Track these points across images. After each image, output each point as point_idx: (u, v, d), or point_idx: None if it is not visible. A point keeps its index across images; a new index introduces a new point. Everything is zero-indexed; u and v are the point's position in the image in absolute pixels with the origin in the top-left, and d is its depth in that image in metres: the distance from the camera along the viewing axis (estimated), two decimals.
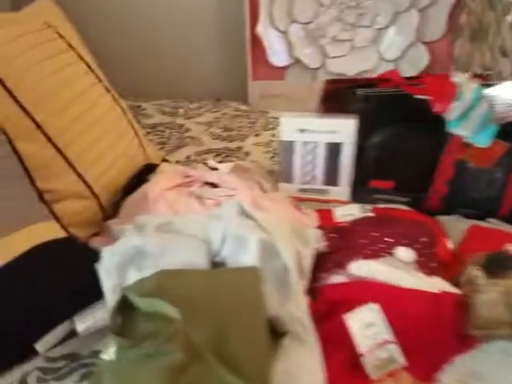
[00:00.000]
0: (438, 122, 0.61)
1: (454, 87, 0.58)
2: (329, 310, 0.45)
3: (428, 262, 0.51)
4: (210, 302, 0.36)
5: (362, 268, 0.49)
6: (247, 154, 0.91)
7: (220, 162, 0.88)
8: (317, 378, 0.37)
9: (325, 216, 0.64)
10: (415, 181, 0.66)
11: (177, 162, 0.86)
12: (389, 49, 1.18)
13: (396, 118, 0.64)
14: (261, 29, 1.21)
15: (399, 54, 1.17)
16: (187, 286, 0.37)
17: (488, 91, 0.57)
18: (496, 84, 0.57)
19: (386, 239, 0.54)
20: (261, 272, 0.44)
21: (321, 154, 0.68)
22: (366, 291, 0.46)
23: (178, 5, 1.28)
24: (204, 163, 0.79)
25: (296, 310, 0.45)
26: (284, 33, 1.21)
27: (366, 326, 0.43)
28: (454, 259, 0.54)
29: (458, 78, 0.57)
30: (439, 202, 0.66)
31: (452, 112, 0.56)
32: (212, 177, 0.65)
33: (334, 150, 0.67)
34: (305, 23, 1.19)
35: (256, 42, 1.22)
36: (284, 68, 1.25)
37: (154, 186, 0.63)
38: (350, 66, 1.20)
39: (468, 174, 0.64)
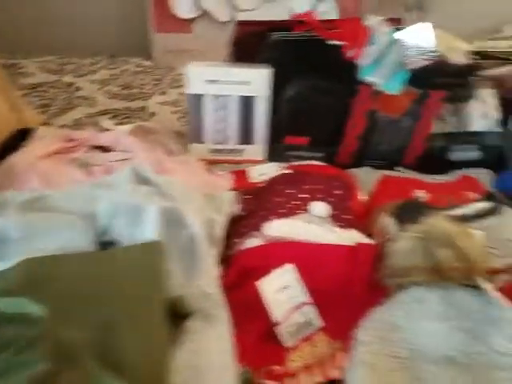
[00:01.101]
0: (352, 70, 0.58)
1: (367, 31, 0.55)
2: (242, 277, 0.41)
3: (343, 215, 0.50)
4: (96, 291, 0.29)
5: (278, 228, 0.46)
6: (152, 114, 0.82)
7: (119, 123, 0.78)
8: (227, 362, 0.33)
9: (240, 177, 0.59)
10: (328, 135, 0.64)
11: (62, 126, 0.73)
12: (298, 1, 1.13)
13: (310, 67, 0.59)
14: None
15: (310, 7, 1.13)
16: (66, 274, 0.30)
17: (398, 35, 0.55)
18: (406, 28, 0.55)
19: (302, 195, 0.51)
20: (162, 247, 0.38)
21: (233, 108, 0.61)
22: (281, 252, 0.42)
23: None
24: (97, 125, 0.68)
25: (206, 285, 0.40)
26: None
27: (281, 290, 0.40)
28: (368, 210, 0.54)
29: (371, 21, 0.54)
30: (350, 157, 0.65)
31: (365, 57, 0.54)
32: (102, 139, 0.56)
33: (247, 104, 0.61)
34: None
35: None
36: (191, 20, 1.14)
37: (25, 154, 0.51)
38: (261, 18, 1.13)
39: (379, 125, 0.63)
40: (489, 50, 0.59)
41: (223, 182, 0.54)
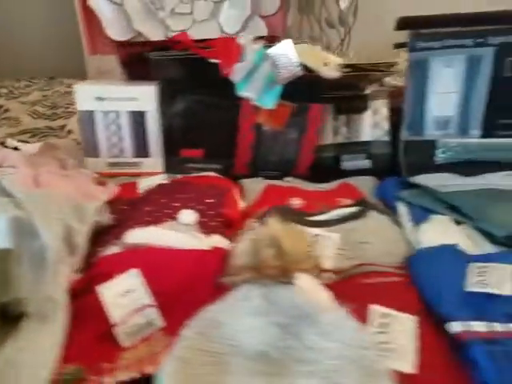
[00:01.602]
0: (233, 85, 0.61)
1: (240, 49, 0.58)
2: (89, 283, 0.42)
3: (210, 222, 0.52)
4: None
5: (137, 236, 0.48)
6: (69, 132, 0.84)
7: (35, 142, 0.80)
8: (48, 360, 0.34)
9: (129, 189, 0.61)
10: (223, 148, 0.67)
11: None
12: (227, 22, 1.17)
13: (196, 84, 0.63)
14: (93, 1, 1.11)
15: (239, 27, 1.18)
16: None
17: (271, 51, 0.59)
18: (278, 44, 0.59)
19: (173, 204, 0.53)
20: (9, 254, 0.40)
21: (125, 123, 0.64)
22: (128, 258, 0.44)
23: None
24: (1, 143, 0.70)
25: (52, 290, 0.41)
26: (120, 5, 1.13)
27: (123, 294, 0.42)
28: (244, 217, 0.56)
29: (243, 39, 0.58)
30: (245, 167, 0.68)
31: (237, 74, 0.57)
32: None
33: (138, 118, 0.64)
34: None
35: (91, 14, 1.12)
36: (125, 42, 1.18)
37: None
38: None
39: (266, 138, 0.66)
40: (358, 62, 0.63)
41: (102, 194, 0.56)
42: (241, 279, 0.40)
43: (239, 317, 0.38)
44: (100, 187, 0.59)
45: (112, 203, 0.54)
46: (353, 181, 0.65)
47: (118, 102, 0.62)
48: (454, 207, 0.55)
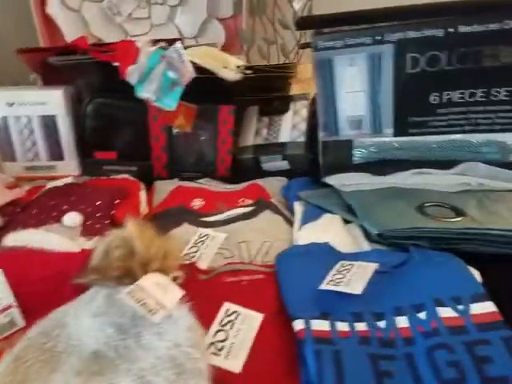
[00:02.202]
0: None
1: (137, 52, 0.59)
2: None
3: (96, 225, 0.52)
4: None
5: (15, 238, 0.48)
6: None
7: None
8: None
9: (36, 191, 0.62)
10: (137, 150, 0.67)
11: None
12: (184, 26, 1.19)
13: (100, 87, 0.64)
14: (51, 9, 1.14)
15: (196, 31, 1.19)
16: None
17: (171, 54, 0.59)
18: (179, 47, 0.59)
19: (62, 207, 0.54)
20: None
21: (36, 128, 0.65)
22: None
23: None
24: None
25: None
26: (77, 11, 1.15)
27: None
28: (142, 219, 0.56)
29: (139, 42, 0.59)
30: (164, 169, 0.68)
31: (131, 75, 0.58)
32: None
33: (48, 122, 0.65)
34: (97, 1, 1.14)
35: (49, 21, 1.15)
36: None
37: None
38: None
39: (179, 139, 0.67)
40: (257, 64, 0.63)
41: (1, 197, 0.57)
42: (90, 280, 0.40)
43: (82, 317, 0.38)
44: (6, 190, 0.60)
45: (9, 205, 0.55)
46: (263, 181, 0.65)
47: (29, 106, 0.64)
48: (349, 206, 0.54)
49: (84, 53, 0.60)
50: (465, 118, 0.57)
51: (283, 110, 0.73)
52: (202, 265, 0.47)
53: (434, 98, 0.59)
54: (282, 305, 0.41)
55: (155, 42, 0.59)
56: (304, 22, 0.60)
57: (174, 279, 0.41)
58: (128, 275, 0.39)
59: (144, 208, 0.58)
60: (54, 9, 1.21)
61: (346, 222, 0.52)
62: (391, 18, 0.57)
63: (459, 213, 0.47)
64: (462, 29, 0.57)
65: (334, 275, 0.41)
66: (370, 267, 0.41)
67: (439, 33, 0.58)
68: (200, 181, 0.66)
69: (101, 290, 0.39)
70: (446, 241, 0.44)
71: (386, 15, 0.57)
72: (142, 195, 0.60)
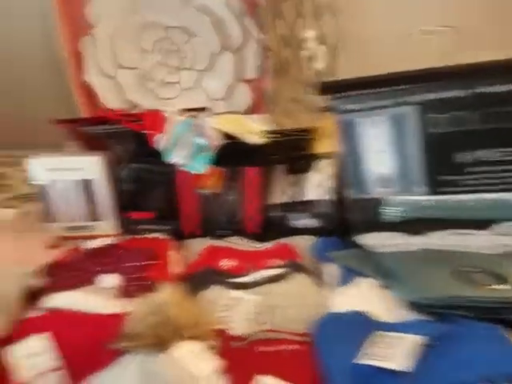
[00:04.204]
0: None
1: (164, 121, 0.63)
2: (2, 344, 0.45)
3: (131, 286, 0.53)
4: None
5: (56, 300, 0.50)
6: None
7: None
8: None
9: (74, 251, 0.64)
10: (169, 210, 0.70)
11: None
12: (212, 89, 1.26)
13: (133, 153, 0.68)
14: (89, 76, 1.24)
15: (223, 93, 1.26)
16: None
17: (200, 122, 0.63)
18: (206, 116, 0.63)
19: (99, 268, 0.56)
20: None
21: (75, 191, 0.70)
22: (42, 322, 0.46)
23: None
24: None
25: None
26: (113, 78, 1.25)
27: (29, 356, 0.43)
28: (175, 279, 0.57)
29: (169, 112, 0.63)
30: (195, 228, 0.70)
31: (159, 143, 0.61)
32: None
33: (86, 186, 0.70)
34: (131, 68, 1.24)
35: (86, 88, 1.25)
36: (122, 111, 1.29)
37: None
38: (181, 106, 1.26)
39: (209, 200, 0.69)
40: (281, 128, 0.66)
41: (42, 258, 0.59)
42: (124, 346, 0.40)
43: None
44: (46, 251, 0.63)
45: (50, 266, 0.58)
46: (291, 240, 0.65)
47: (67, 171, 0.69)
48: (385, 269, 0.53)
49: (117, 123, 0.64)
50: (496, 177, 0.57)
51: (308, 168, 0.74)
52: (234, 331, 0.46)
53: (460, 157, 0.59)
54: (320, 378, 0.40)
55: (183, 110, 0.64)
56: (326, 87, 0.63)
57: (208, 347, 0.41)
58: (162, 343, 0.40)
59: (174, 268, 0.59)
60: (90, 76, 1.33)
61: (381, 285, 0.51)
62: (412, 80, 0.59)
63: (500, 278, 0.45)
64: (485, 89, 0.59)
65: (370, 347, 0.40)
66: (413, 341, 0.39)
67: (461, 93, 0.60)
68: (230, 239, 0.67)
69: (134, 358, 0.40)
70: (487, 310, 0.42)
71: (407, 78, 0.59)
72: (172, 255, 0.62)
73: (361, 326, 0.43)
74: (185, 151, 0.60)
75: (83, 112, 1.25)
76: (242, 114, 1.27)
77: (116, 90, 1.30)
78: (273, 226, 0.72)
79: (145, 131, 0.61)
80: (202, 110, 0.63)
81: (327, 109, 0.67)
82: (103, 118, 0.66)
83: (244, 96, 1.34)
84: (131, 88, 1.31)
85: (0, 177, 1.12)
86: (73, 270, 0.56)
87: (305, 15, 1.14)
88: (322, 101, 0.66)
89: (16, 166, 1.20)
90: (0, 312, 0.49)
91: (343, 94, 0.62)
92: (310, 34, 1.17)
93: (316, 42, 1.16)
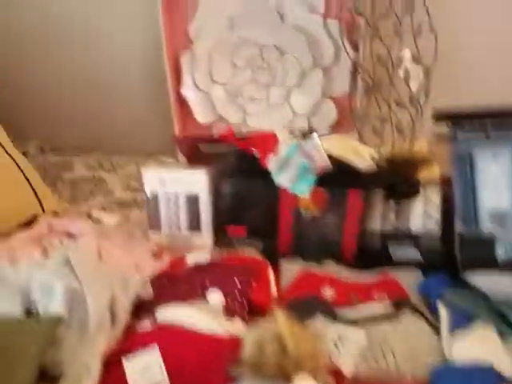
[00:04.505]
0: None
1: (275, 142, 0.64)
2: (119, 355, 0.48)
3: (236, 306, 0.54)
4: None
5: (167, 313, 0.52)
6: None
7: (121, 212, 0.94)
8: None
9: (178, 263, 0.66)
10: (264, 228, 0.71)
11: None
12: (299, 105, 1.27)
13: (240, 171, 0.70)
14: (185, 90, 1.31)
15: (310, 109, 1.26)
16: None
17: (307, 145, 0.63)
18: (314, 139, 0.63)
19: (205, 284, 0.57)
20: (60, 320, 0.48)
21: (182, 203, 0.73)
22: (155, 335, 0.49)
23: (103, 67, 1.39)
24: (89, 216, 0.84)
25: (89, 358, 0.47)
26: (206, 93, 1.31)
27: (142, 370, 0.46)
28: (275, 303, 0.57)
29: (280, 134, 0.64)
30: (287, 248, 0.70)
31: (271, 165, 0.62)
32: (72, 228, 0.71)
33: (192, 200, 0.73)
34: (224, 84, 1.29)
35: (181, 100, 1.32)
36: (209, 124, 1.34)
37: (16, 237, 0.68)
38: (267, 120, 1.29)
39: (306, 221, 0.68)
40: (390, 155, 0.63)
41: (151, 267, 0.63)
42: (242, 373, 0.41)
43: None
44: (153, 260, 0.67)
45: (158, 277, 0.61)
46: (396, 273, 0.62)
47: (177, 185, 0.72)
48: (504, 316, 0.49)
49: (231, 142, 0.67)
50: None
51: (412, 194, 0.71)
52: (346, 368, 0.45)
53: None
54: None
55: (291, 132, 0.64)
56: (441, 115, 0.60)
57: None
58: (283, 374, 0.39)
59: (274, 291, 0.59)
60: (187, 90, 1.41)
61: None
62: None
63: None
64: None
65: None
66: None
67: None
68: (325, 264, 0.66)
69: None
70: None
71: None
72: (271, 276, 0.62)
73: (483, 381, 0.40)
74: (292, 173, 0.61)
75: (177, 123, 1.34)
76: (327, 130, 1.27)
77: (208, 104, 1.37)
78: (369, 255, 0.69)
79: (255, 151, 0.63)
80: (311, 131, 0.63)
81: (440, 137, 0.64)
82: (219, 138, 0.69)
83: (329, 113, 1.33)
84: (221, 102, 1.37)
85: (98, 180, 1.23)
86: (181, 283, 0.58)
87: (402, 34, 1.11)
88: (435, 127, 0.63)
89: (112, 171, 1.32)
90: (114, 321, 0.53)
91: (461, 122, 0.58)
92: (406, 53, 1.15)
93: (412, 61, 1.13)
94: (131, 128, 1.51)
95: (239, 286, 0.56)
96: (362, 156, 0.61)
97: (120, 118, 1.52)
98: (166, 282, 0.60)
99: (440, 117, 0.61)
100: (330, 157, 0.60)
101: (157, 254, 0.70)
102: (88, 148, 1.37)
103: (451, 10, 1.13)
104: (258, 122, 1.32)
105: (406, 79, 1.14)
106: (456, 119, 0.58)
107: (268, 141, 0.62)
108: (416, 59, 1.12)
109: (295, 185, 0.61)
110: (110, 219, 0.86)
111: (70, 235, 0.71)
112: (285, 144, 0.61)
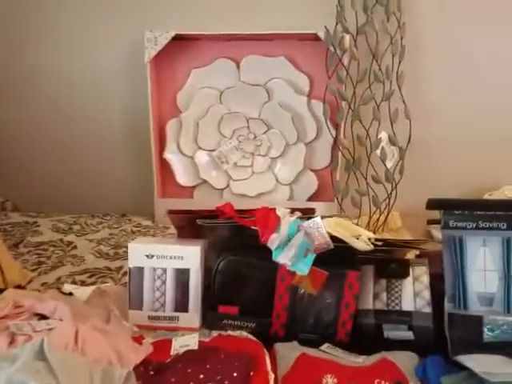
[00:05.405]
0: (270, 250, 0.66)
1: (277, 220, 0.65)
2: None
3: None
4: None
5: None
6: (124, 274, 0.90)
7: (93, 283, 0.87)
8: None
9: (162, 347, 0.62)
10: (258, 307, 0.68)
11: (44, 284, 0.85)
12: (282, 175, 1.31)
13: (236, 246, 0.69)
14: (168, 154, 1.32)
15: (292, 179, 1.31)
16: None
17: (307, 224, 0.64)
18: (313, 217, 0.64)
19: (200, 376, 0.53)
20: None
21: (169, 279, 0.69)
22: None
23: (86, 128, 1.39)
24: (58, 289, 0.78)
25: None
26: (191, 158, 1.33)
27: None
28: None
29: (281, 211, 0.65)
30: (282, 328, 0.68)
31: (272, 242, 0.62)
32: (44, 308, 0.63)
33: (181, 275, 0.69)
34: (209, 150, 1.32)
35: (164, 163, 1.33)
36: (192, 187, 1.34)
37: None
38: (251, 187, 1.32)
39: (302, 300, 0.67)
40: (387, 238, 0.65)
41: (135, 355, 0.57)
42: None
43: None
44: (136, 345, 0.61)
45: (141, 366, 0.55)
46: (393, 356, 0.61)
47: (166, 259, 0.68)
48: None
49: (227, 218, 0.66)
50: None
51: (402, 274, 0.72)
52: None
53: None
54: None
55: (292, 211, 0.66)
56: (434, 203, 0.64)
57: None
58: None
59: (272, 377, 0.56)
60: (170, 154, 1.42)
61: None
62: None
63: None
64: None
65: None
66: None
67: None
68: (323, 348, 0.63)
69: None
70: None
71: None
72: (268, 362, 0.59)
73: None
74: (292, 251, 0.61)
75: (158, 184, 1.33)
76: (307, 199, 1.31)
77: (191, 168, 1.38)
78: (363, 334, 0.68)
79: (255, 228, 0.63)
80: (309, 211, 0.64)
81: (432, 222, 0.67)
82: (216, 212, 0.68)
83: (310, 183, 1.39)
84: (205, 167, 1.38)
85: (68, 246, 1.09)
86: (168, 375, 0.53)
87: (380, 118, 1.21)
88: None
89: (84, 235, 1.23)
90: None
91: (455, 211, 0.62)
92: (383, 135, 1.24)
93: (388, 143, 1.21)
94: (108, 188, 1.48)
95: (237, 379, 0.52)
96: (362, 238, 0.62)
97: (96, 177, 1.49)
98: (153, 371, 0.55)
99: (433, 205, 0.65)
100: (330, 237, 0.61)
101: (137, 338, 0.64)
102: (55, 208, 1.30)
103: (425, 99, 1.25)
104: (241, 188, 1.36)
105: (383, 158, 1.23)
106: (448, 208, 0.62)
107: (269, 218, 0.63)
108: (392, 141, 1.22)
109: (295, 263, 0.61)
110: (82, 293, 0.76)
111: (41, 316, 0.64)
112: (286, 222, 0.62)
